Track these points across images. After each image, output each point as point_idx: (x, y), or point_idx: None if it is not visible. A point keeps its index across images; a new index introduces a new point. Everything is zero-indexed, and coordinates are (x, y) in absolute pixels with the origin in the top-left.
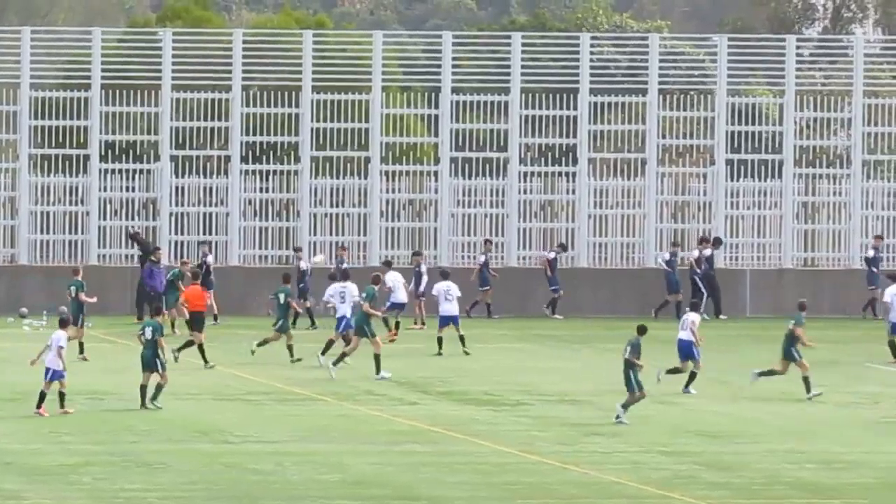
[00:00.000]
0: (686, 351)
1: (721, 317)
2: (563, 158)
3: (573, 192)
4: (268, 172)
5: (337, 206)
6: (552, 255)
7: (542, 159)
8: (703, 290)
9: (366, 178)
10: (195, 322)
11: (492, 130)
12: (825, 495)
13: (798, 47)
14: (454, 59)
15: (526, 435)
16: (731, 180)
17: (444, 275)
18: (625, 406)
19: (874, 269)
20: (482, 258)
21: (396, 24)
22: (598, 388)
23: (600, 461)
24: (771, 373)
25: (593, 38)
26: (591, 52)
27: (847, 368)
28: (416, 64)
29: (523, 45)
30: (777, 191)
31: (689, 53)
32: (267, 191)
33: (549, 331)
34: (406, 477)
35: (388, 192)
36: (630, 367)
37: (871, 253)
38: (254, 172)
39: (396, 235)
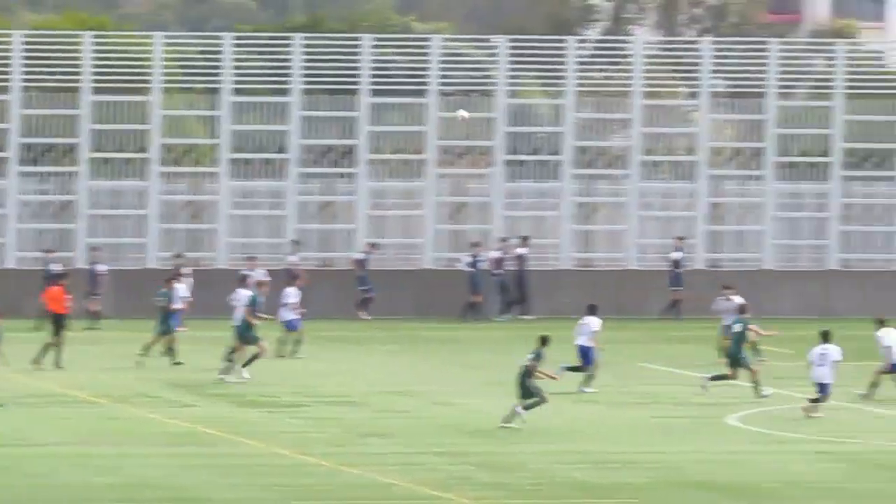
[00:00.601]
0: (585, 355)
1: (522, 315)
2: (343, 160)
3: (352, 193)
4: (45, 174)
5: (115, 207)
6: (361, 255)
7: (322, 160)
8: (508, 290)
9: (144, 179)
10: (54, 323)
11: (272, 132)
12: (598, 495)
13: (578, 48)
14: (235, 60)
15: (302, 436)
16: (511, 181)
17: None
18: (527, 408)
19: (678, 271)
20: (361, 257)
21: (177, 25)
22: (373, 390)
23: (375, 462)
24: (724, 377)
25: (375, 39)
26: (373, 54)
27: (621, 368)
28: (197, 65)
29: (304, 46)
30: (555, 192)
31: (469, 55)
32: (44, 192)
33: (326, 332)
34: (181, 479)
35: (166, 193)
36: (527, 375)
37: (676, 255)
38: (31, 174)
39: (174, 237)
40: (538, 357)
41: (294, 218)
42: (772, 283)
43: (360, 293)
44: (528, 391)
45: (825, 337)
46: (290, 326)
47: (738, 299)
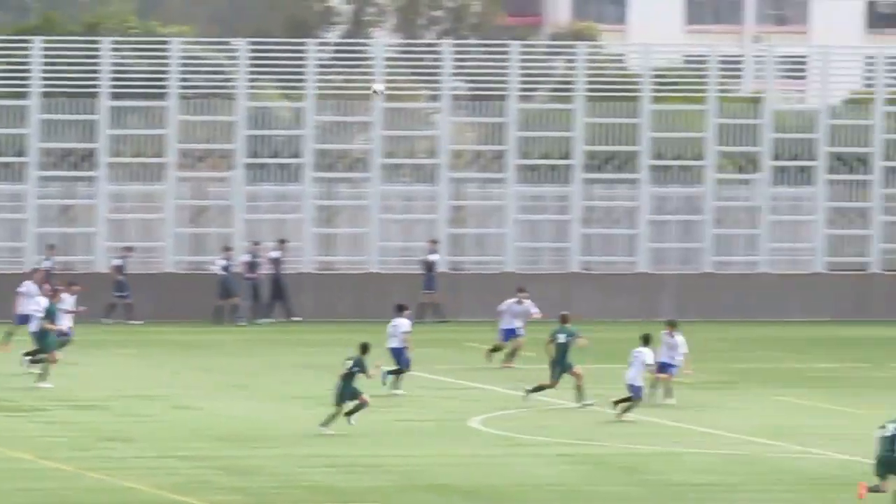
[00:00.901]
0: (398, 357)
1: (294, 318)
2: (83, 163)
3: (92, 196)
4: None
5: None
6: (119, 260)
7: (62, 163)
8: (259, 294)
9: None
10: None
11: (11, 135)
12: (341, 499)
13: (318, 51)
14: None
15: (43, 441)
16: (251, 184)
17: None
18: (350, 413)
19: (433, 274)
20: (119, 262)
21: None
22: (115, 394)
23: (116, 466)
24: (541, 388)
25: (114, 42)
26: (112, 57)
27: None
28: None
29: (43, 48)
30: (296, 195)
31: (210, 58)
32: None
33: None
34: None
35: None
36: (346, 379)
37: (433, 257)
38: None
39: None
40: (358, 364)
41: (34, 222)
42: (513, 285)
43: (115, 298)
44: (348, 394)
45: (645, 340)
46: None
47: (528, 303)
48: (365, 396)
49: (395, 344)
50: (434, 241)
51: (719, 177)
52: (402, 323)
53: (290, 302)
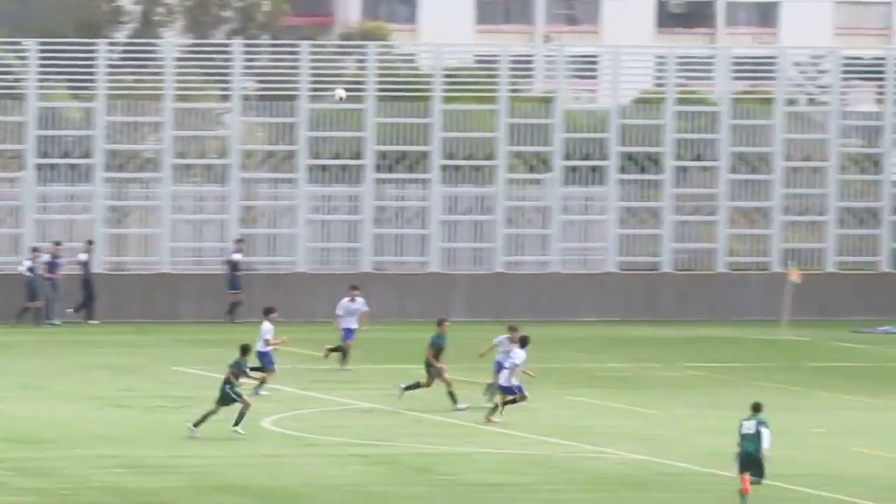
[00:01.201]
0: (261, 359)
1: (91, 321)
2: None
3: None
4: None
5: None
6: None
7: None
8: (60, 294)
9: None
10: None
11: None
12: (134, 500)
13: (108, 51)
14: None
15: None
16: (41, 185)
17: None
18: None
19: (237, 273)
20: None
21: None
22: None
23: None
24: (417, 385)
25: None
26: None
27: (154, 372)
28: None
29: None
30: (87, 195)
31: None
32: None
33: None
34: None
35: None
36: (227, 382)
37: (236, 257)
38: None
39: None
40: (238, 366)
41: None
42: (305, 285)
43: None
44: (228, 398)
45: (522, 342)
46: None
47: (361, 301)
48: (245, 398)
49: (259, 347)
50: (239, 241)
51: (510, 177)
52: (265, 326)
53: (94, 305)
